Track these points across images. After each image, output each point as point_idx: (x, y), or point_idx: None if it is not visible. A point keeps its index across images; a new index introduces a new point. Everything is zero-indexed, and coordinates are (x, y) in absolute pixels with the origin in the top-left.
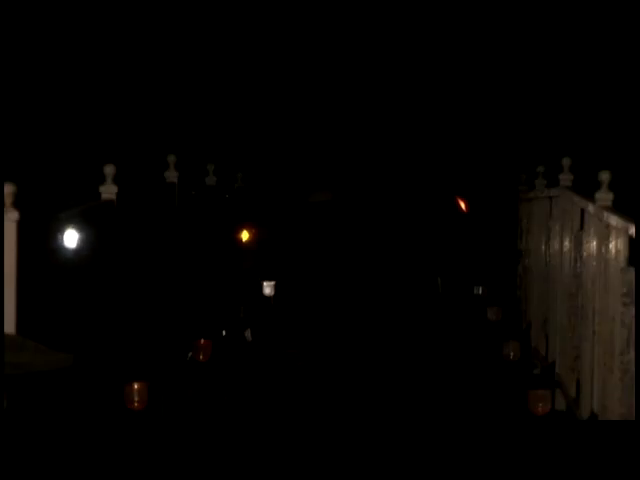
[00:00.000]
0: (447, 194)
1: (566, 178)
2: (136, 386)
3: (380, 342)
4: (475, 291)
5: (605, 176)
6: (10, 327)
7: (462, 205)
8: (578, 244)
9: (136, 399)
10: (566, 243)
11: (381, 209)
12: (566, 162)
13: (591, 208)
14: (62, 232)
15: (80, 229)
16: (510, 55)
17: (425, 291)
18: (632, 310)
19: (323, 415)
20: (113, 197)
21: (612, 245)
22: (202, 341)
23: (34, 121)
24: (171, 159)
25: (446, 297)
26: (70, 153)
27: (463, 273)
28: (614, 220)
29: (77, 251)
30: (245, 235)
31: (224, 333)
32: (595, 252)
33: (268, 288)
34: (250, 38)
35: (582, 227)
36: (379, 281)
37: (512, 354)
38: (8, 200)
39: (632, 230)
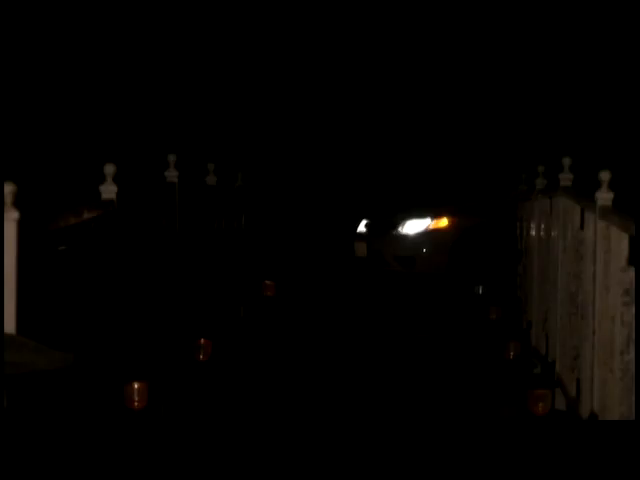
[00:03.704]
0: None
1: (566, 178)
2: (136, 386)
3: (382, 341)
4: (475, 291)
5: (605, 176)
6: (10, 327)
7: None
8: (578, 243)
9: (136, 399)
10: (566, 242)
11: None
12: (566, 162)
13: (591, 208)
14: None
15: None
16: (511, 56)
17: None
18: (632, 310)
19: (323, 415)
20: (113, 197)
21: (612, 244)
22: (202, 341)
23: (34, 121)
24: (171, 158)
25: (447, 297)
26: (70, 153)
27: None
28: (614, 220)
29: (77, 251)
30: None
31: (224, 333)
32: (595, 251)
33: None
34: (253, 36)
35: (582, 226)
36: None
37: (512, 353)
38: (8, 200)
39: (632, 230)
